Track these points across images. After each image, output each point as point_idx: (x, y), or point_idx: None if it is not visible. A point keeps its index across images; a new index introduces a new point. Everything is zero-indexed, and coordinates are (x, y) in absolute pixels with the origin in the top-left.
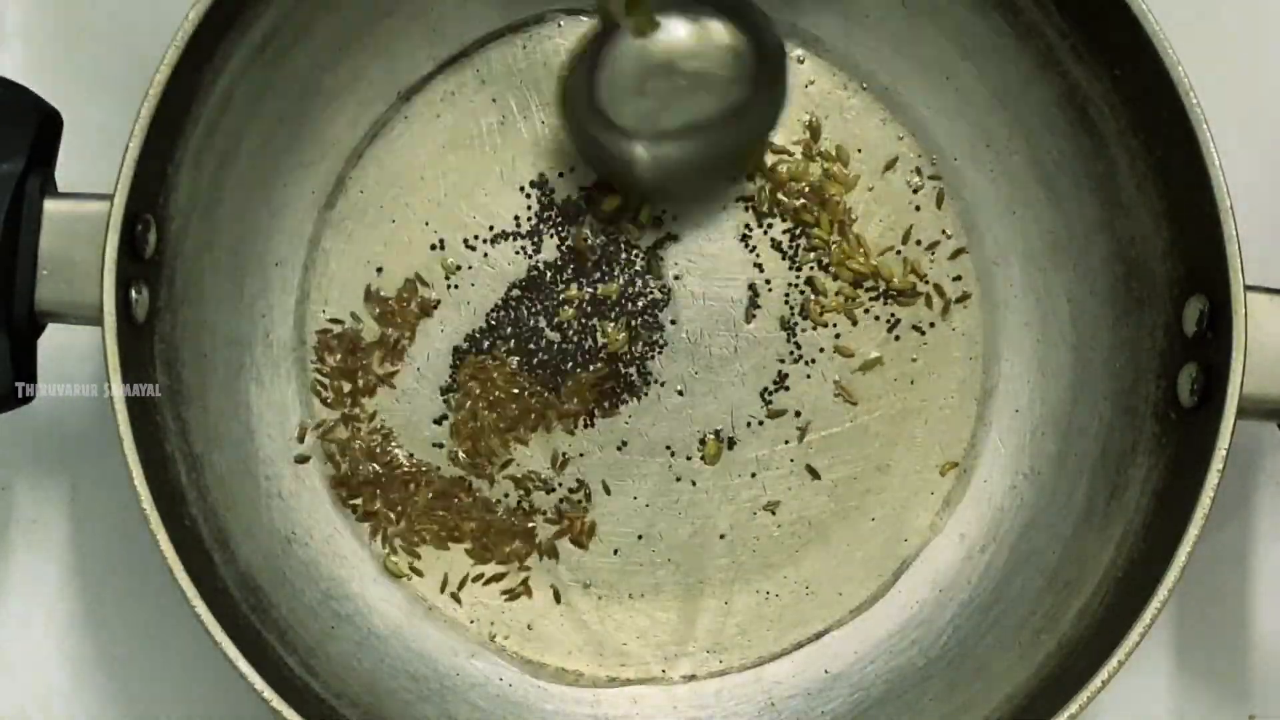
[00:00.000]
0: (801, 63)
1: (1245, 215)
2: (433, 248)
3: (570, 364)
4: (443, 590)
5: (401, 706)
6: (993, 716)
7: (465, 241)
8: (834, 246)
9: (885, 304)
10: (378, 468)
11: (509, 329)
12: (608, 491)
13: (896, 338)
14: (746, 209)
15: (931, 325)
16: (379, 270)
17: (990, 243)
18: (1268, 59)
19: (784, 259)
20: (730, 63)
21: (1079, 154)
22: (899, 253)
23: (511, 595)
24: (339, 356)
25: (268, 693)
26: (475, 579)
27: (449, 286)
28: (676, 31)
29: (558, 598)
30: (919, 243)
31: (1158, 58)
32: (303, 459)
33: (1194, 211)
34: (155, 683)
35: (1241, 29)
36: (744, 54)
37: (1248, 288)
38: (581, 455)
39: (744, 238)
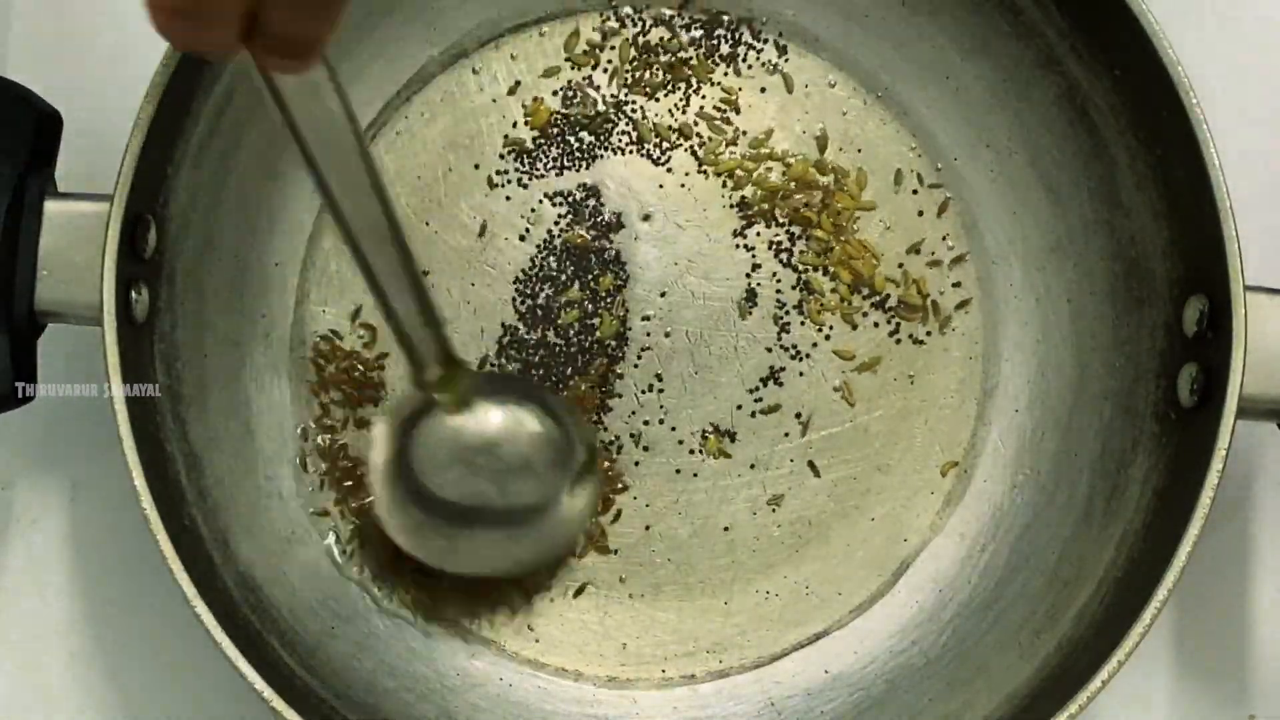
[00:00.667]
0: (783, 56)
1: (1245, 215)
2: (433, 246)
3: (569, 368)
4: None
5: (401, 706)
6: (993, 716)
7: (465, 241)
8: (835, 248)
9: (885, 312)
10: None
11: (508, 332)
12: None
13: (896, 339)
14: (746, 208)
15: (928, 334)
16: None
17: (990, 243)
18: (1268, 59)
19: (784, 259)
20: (542, 451)
21: (1079, 154)
22: (900, 265)
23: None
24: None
25: (268, 693)
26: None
27: (446, 290)
28: (490, 416)
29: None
30: (918, 246)
31: (1158, 58)
32: (305, 464)
33: (1194, 211)
34: (155, 683)
35: (1241, 29)
36: (557, 445)
37: (1248, 288)
38: None
39: (744, 238)
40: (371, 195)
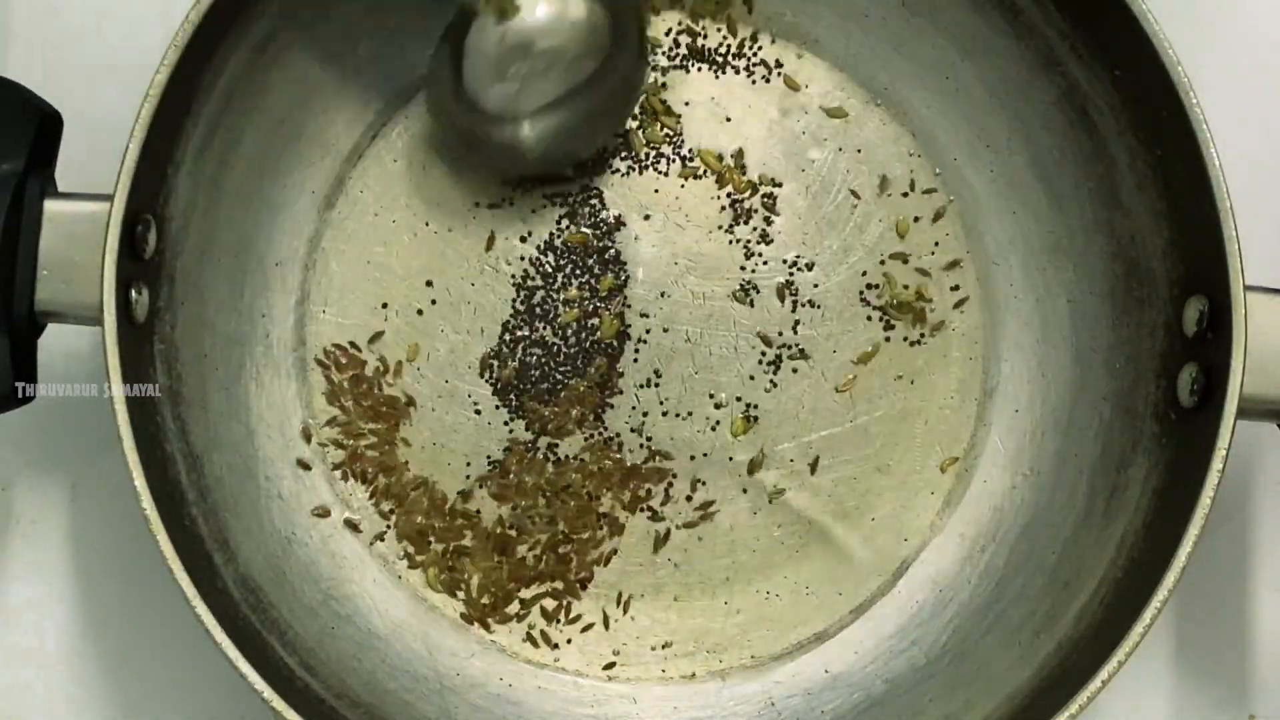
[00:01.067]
0: (783, 56)
1: (1245, 215)
2: (434, 247)
3: (569, 367)
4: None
5: (401, 706)
6: (993, 716)
7: (466, 241)
8: (834, 245)
9: (885, 313)
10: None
11: (509, 333)
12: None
13: (896, 340)
14: (748, 208)
15: (928, 334)
16: (384, 305)
17: (990, 243)
18: (1268, 59)
19: (784, 261)
20: (587, 34)
21: (1079, 154)
22: (900, 265)
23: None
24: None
25: (268, 693)
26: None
27: (446, 290)
28: (537, 10)
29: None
30: (918, 246)
31: (1158, 58)
32: (305, 465)
33: (1194, 211)
34: (155, 683)
35: (1242, 29)
36: (599, 22)
37: (1248, 288)
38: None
39: (745, 236)
40: None
